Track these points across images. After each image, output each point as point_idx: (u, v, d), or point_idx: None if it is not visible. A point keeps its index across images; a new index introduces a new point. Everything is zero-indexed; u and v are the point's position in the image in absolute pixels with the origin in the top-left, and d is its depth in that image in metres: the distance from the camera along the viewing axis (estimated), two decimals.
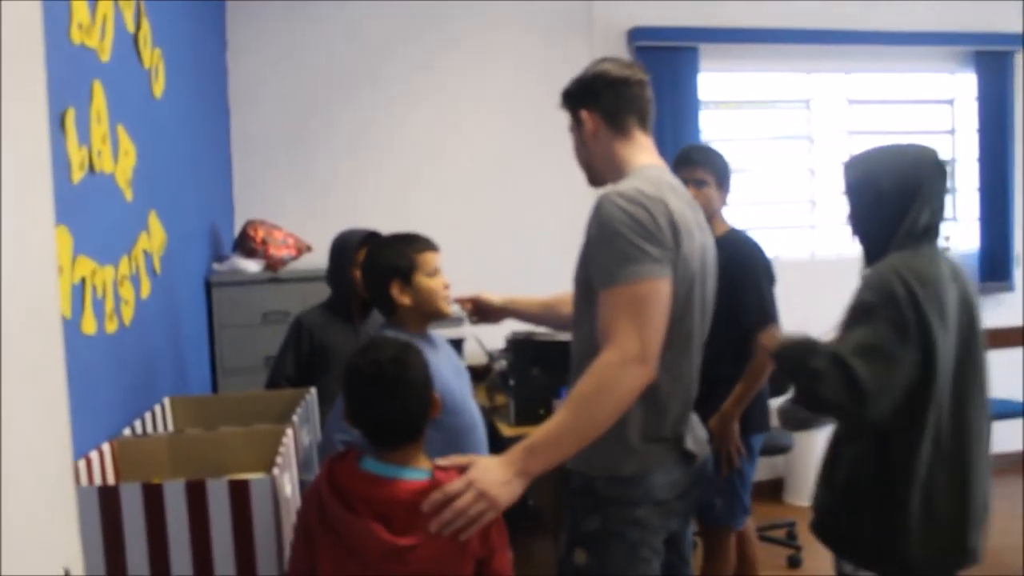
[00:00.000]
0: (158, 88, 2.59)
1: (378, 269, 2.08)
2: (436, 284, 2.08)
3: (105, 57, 2.06)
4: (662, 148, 2.03)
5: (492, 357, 3.77)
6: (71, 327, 1.77)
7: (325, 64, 4.21)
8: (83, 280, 1.85)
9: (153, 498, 1.67)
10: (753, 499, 2.96)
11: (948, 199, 1.93)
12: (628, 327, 1.61)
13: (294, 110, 4.19)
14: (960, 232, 5.07)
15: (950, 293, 1.84)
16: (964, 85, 4.99)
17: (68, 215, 1.76)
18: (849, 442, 1.93)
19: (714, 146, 2.96)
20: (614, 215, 1.66)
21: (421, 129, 4.32)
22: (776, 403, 4.43)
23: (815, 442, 4.11)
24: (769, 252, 2.85)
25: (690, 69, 4.48)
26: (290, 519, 1.83)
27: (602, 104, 1.84)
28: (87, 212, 1.91)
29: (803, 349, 1.80)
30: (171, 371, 2.66)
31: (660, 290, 1.65)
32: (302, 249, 3.70)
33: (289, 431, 2.07)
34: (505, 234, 4.39)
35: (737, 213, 4.50)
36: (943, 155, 1.93)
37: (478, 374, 3.58)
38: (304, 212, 4.11)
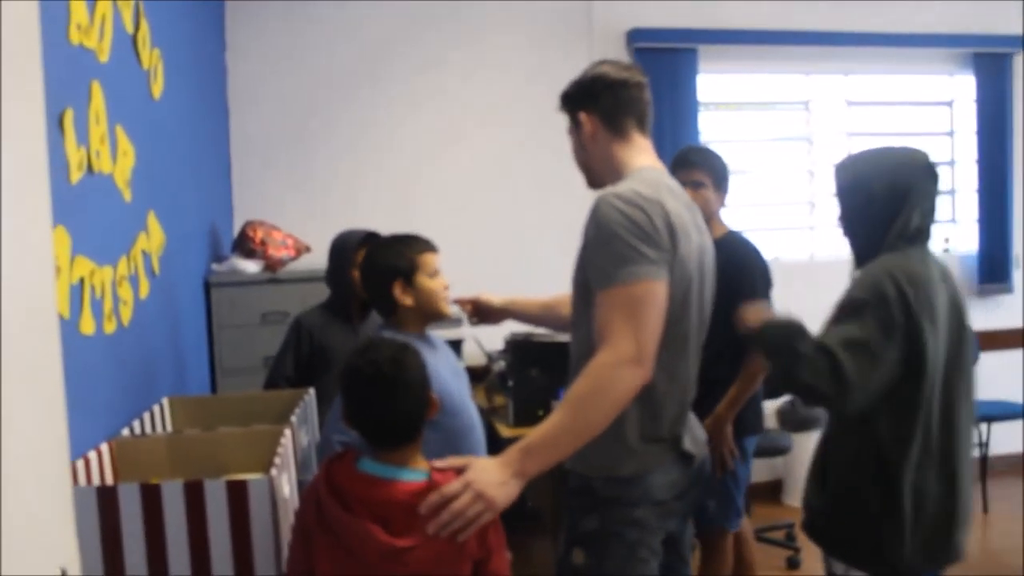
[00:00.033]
0: (157, 89, 2.59)
1: (379, 270, 2.08)
2: (437, 285, 2.09)
3: (104, 58, 2.06)
4: (661, 149, 2.03)
5: (491, 358, 3.77)
6: (69, 327, 1.77)
7: (325, 64, 4.21)
8: (81, 280, 1.85)
9: (151, 498, 1.67)
10: (752, 500, 2.96)
11: (939, 201, 1.96)
12: (624, 328, 1.62)
13: (294, 110, 4.19)
14: (959, 234, 5.07)
15: (940, 295, 1.86)
16: (963, 87, 5.00)
17: (67, 215, 1.76)
18: (839, 442, 1.95)
19: (713, 147, 2.96)
20: (611, 216, 1.66)
21: (421, 129, 4.32)
22: (770, 405, 4.47)
23: (814, 444, 4.11)
24: (768, 253, 2.86)
25: (689, 70, 4.48)
26: (288, 519, 1.83)
27: (601, 106, 1.84)
28: (86, 212, 1.91)
29: (791, 330, 1.82)
30: (170, 371, 2.66)
31: (656, 291, 1.65)
32: (301, 250, 3.70)
33: (287, 432, 2.07)
34: (505, 235, 4.39)
35: (736, 214, 4.51)
36: (942, 157, 1.94)
37: (477, 375, 3.58)
38: (303, 212, 4.11)
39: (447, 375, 2.06)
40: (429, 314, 2.09)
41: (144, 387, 2.32)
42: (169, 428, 2.39)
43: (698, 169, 2.79)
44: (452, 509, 1.51)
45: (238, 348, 3.46)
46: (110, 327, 2.03)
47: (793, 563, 3.84)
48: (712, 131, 4.69)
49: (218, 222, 3.76)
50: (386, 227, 2.56)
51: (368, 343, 1.66)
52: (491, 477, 1.55)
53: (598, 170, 1.88)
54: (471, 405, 2.15)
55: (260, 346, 3.38)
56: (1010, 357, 4.95)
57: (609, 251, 1.66)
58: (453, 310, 2.22)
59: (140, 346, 2.30)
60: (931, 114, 5.07)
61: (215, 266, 3.53)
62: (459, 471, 1.57)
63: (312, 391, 2.62)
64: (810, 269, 4.69)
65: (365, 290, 2.19)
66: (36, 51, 1.29)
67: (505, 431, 3.16)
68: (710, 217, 2.68)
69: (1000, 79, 4.89)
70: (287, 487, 1.92)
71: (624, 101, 1.84)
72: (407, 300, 2.06)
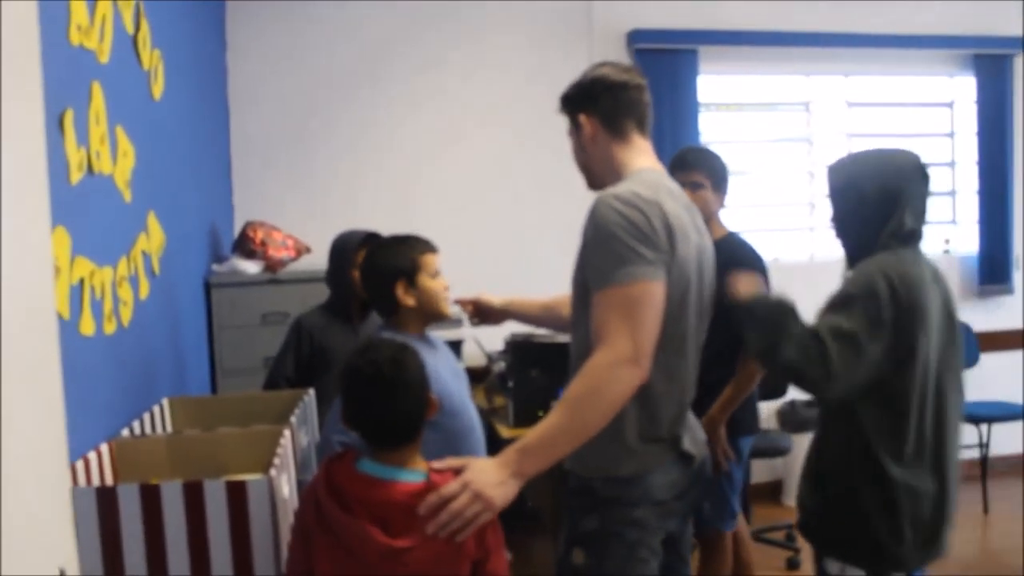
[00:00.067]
0: (157, 89, 2.59)
1: (381, 270, 2.08)
2: (438, 286, 2.09)
3: (104, 58, 2.06)
4: (661, 150, 2.04)
5: (491, 359, 3.77)
6: (69, 328, 1.77)
7: (325, 64, 4.21)
8: (81, 281, 1.85)
9: (151, 499, 1.67)
10: (752, 501, 2.96)
11: (931, 203, 1.98)
12: (621, 328, 1.62)
13: (294, 110, 4.19)
14: (960, 235, 5.07)
15: (933, 296, 1.88)
16: (963, 88, 5.00)
17: (66, 216, 1.76)
18: (832, 443, 1.96)
19: (713, 148, 2.96)
20: (609, 217, 1.67)
21: (421, 129, 4.32)
22: (771, 406, 4.47)
23: None
24: (768, 254, 2.85)
25: (689, 71, 4.48)
26: (287, 520, 1.83)
27: (600, 108, 1.85)
28: (86, 213, 1.91)
29: (783, 308, 1.84)
30: (170, 372, 2.66)
31: (653, 292, 1.66)
32: (301, 250, 3.70)
33: (287, 432, 2.07)
34: (505, 235, 4.39)
35: (736, 215, 4.51)
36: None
37: (477, 376, 3.58)
38: (304, 213, 4.11)
39: (447, 376, 2.06)
40: (430, 315, 2.10)
41: (144, 388, 2.32)
42: (169, 428, 2.39)
43: (697, 170, 2.79)
44: (450, 509, 1.51)
45: (238, 349, 3.46)
46: (110, 328, 2.03)
47: (793, 564, 3.84)
48: (712, 132, 4.69)
49: (218, 222, 3.76)
50: (386, 227, 2.57)
51: (368, 343, 1.66)
52: (489, 477, 1.55)
53: (598, 171, 1.89)
54: (471, 406, 2.15)
55: (260, 347, 3.38)
56: (1010, 358, 4.95)
57: (607, 252, 1.66)
58: (453, 311, 2.23)
59: (140, 347, 2.30)
60: (931, 115, 5.07)
61: (215, 267, 3.54)
62: (457, 472, 1.57)
63: (312, 391, 2.62)
64: (810, 270, 4.69)
65: (366, 290, 2.19)
66: (36, 51, 1.29)
67: (505, 432, 3.16)
68: (709, 218, 2.68)
69: (1000, 80, 4.89)
70: (286, 487, 1.93)
71: (624, 103, 1.84)
72: (409, 300, 2.06)
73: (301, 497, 1.68)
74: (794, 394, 4.30)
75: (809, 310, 1.90)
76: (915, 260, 1.90)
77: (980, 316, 4.87)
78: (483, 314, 2.30)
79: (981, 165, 4.92)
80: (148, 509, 1.67)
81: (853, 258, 1.98)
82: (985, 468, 4.49)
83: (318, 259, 3.29)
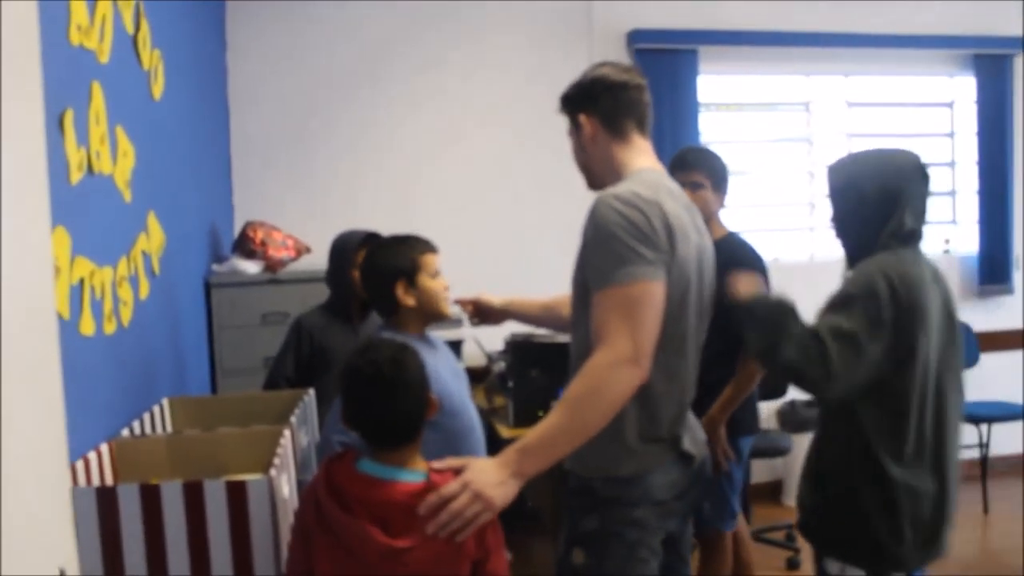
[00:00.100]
0: (157, 89, 2.59)
1: (381, 270, 2.08)
2: (438, 286, 2.09)
3: (104, 58, 2.06)
4: (661, 150, 2.04)
5: (491, 359, 3.77)
6: (69, 328, 1.77)
7: (325, 64, 4.21)
8: (81, 281, 1.85)
9: (151, 499, 1.67)
10: (752, 501, 2.96)
11: (931, 203, 1.99)
12: (621, 328, 1.62)
13: (294, 110, 4.20)
14: (960, 235, 5.07)
15: (933, 296, 1.88)
16: (963, 88, 5.00)
17: (66, 216, 1.76)
18: (832, 442, 1.97)
19: (713, 148, 2.96)
20: (609, 217, 1.67)
21: (421, 129, 4.32)
22: (771, 406, 4.47)
23: None
24: (768, 254, 2.85)
25: (689, 71, 4.48)
26: (287, 520, 1.83)
27: (600, 108, 1.85)
28: (86, 213, 1.91)
29: (783, 308, 1.84)
30: (170, 372, 2.66)
31: (653, 292, 1.66)
32: (301, 250, 3.70)
33: (287, 432, 2.07)
34: (505, 235, 4.39)
35: (736, 215, 4.51)
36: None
37: (477, 376, 3.58)
38: (304, 213, 4.11)
39: (447, 376, 2.07)
40: (430, 315, 2.10)
41: (144, 387, 2.32)
42: (169, 428, 2.39)
43: (697, 170, 2.79)
44: (450, 509, 1.51)
45: (238, 349, 3.46)
46: (110, 328, 2.03)
47: (793, 564, 3.84)
48: (712, 132, 4.69)
49: (218, 222, 3.76)
50: (386, 227, 2.57)
51: (368, 343, 1.66)
52: (489, 477, 1.55)
53: (598, 171, 1.89)
54: (471, 406, 2.15)
55: (260, 347, 3.39)
56: (1010, 358, 4.95)
57: (606, 252, 1.66)
58: (453, 311, 2.22)
59: (140, 347, 2.30)
60: (931, 115, 5.07)
61: (215, 267, 3.54)
62: (457, 472, 1.57)
63: (312, 392, 2.62)
64: (810, 270, 4.69)
65: (366, 290, 2.19)
66: (35, 51, 1.29)
67: (505, 432, 3.16)
68: (709, 218, 2.68)
69: (1000, 80, 4.89)
70: (286, 487, 1.93)
71: (624, 103, 1.84)
72: (409, 300, 2.06)
73: (301, 497, 1.68)
74: (794, 394, 4.30)
75: (809, 310, 1.90)
76: (915, 260, 1.90)
77: (980, 316, 4.87)
78: (483, 314, 2.30)
79: (981, 165, 4.92)
80: (148, 509, 1.67)
81: (853, 258, 1.99)
82: (985, 468, 4.50)
83: (318, 259, 3.29)
